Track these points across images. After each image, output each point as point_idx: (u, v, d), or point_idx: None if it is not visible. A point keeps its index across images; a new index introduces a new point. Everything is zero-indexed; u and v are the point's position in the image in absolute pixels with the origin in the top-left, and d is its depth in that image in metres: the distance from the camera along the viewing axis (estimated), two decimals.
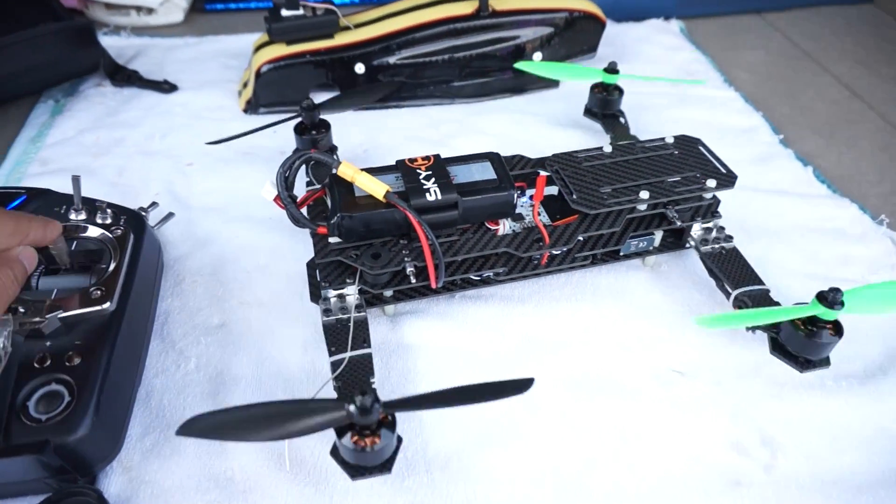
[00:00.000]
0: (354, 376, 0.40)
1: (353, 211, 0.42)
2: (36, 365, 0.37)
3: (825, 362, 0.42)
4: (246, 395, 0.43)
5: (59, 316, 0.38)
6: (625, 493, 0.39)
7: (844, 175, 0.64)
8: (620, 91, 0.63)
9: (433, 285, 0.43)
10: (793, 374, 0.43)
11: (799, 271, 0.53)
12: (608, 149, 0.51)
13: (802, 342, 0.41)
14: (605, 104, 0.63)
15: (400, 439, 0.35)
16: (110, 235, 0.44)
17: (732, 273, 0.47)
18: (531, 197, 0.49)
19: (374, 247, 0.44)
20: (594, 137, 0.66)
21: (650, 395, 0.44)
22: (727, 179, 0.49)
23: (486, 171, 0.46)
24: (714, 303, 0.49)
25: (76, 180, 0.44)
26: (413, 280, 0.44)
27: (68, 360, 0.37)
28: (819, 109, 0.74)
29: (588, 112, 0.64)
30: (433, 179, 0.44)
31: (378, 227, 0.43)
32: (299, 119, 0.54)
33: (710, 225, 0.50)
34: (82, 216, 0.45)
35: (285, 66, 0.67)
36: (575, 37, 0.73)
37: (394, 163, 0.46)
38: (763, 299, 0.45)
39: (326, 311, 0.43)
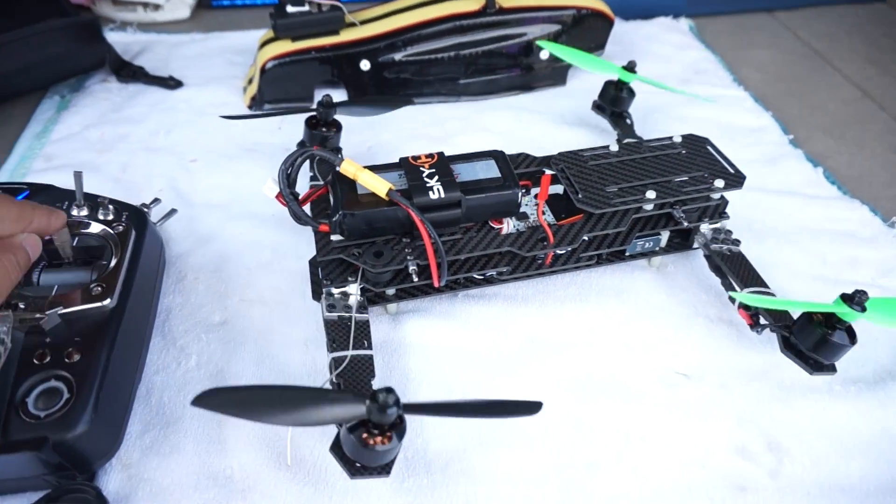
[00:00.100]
0: (355, 376, 0.40)
1: (355, 209, 0.42)
2: (35, 361, 0.36)
3: (832, 368, 0.41)
4: None
5: (60, 312, 0.38)
6: (628, 496, 0.38)
7: (855, 176, 0.64)
8: (632, 93, 0.62)
9: (436, 284, 0.42)
10: (800, 377, 0.42)
11: (807, 273, 0.52)
12: (615, 148, 0.50)
13: (817, 340, 0.40)
14: (616, 101, 0.62)
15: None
16: (112, 232, 0.44)
17: (740, 274, 0.46)
18: (536, 196, 0.49)
19: (377, 245, 0.43)
20: (601, 136, 0.66)
21: (654, 397, 0.43)
22: (735, 180, 0.48)
23: (490, 170, 0.45)
24: (721, 304, 0.49)
25: (78, 176, 0.44)
26: (415, 279, 0.44)
27: (68, 356, 0.37)
28: (830, 109, 0.73)
29: (597, 107, 0.64)
30: (436, 177, 0.44)
31: (380, 225, 0.43)
32: (313, 113, 0.54)
33: (717, 226, 0.49)
34: (84, 212, 0.44)
35: (290, 63, 0.66)
36: (583, 34, 0.72)
37: (397, 160, 0.45)
38: None
39: (330, 307, 0.43)
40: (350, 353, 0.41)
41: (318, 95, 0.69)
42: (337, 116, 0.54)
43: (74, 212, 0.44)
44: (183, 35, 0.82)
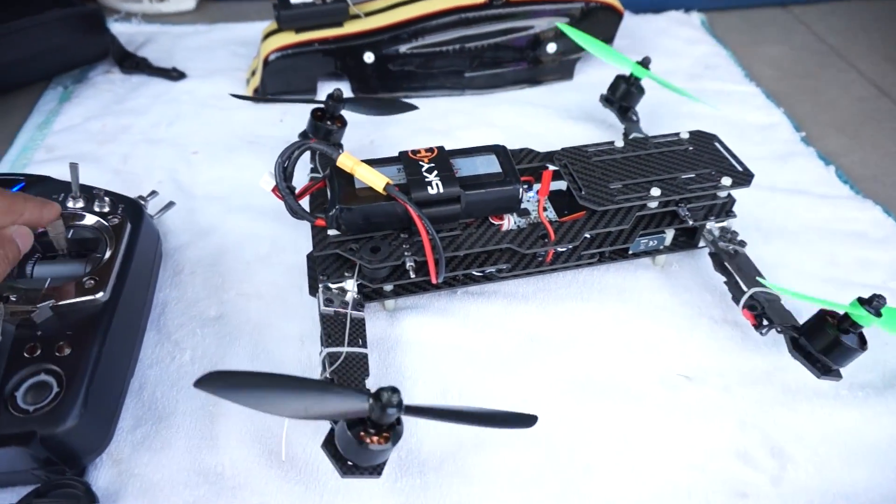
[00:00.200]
0: (349, 373, 0.39)
1: (352, 203, 0.41)
2: (26, 355, 0.36)
3: (837, 374, 0.40)
4: None
5: (51, 305, 0.38)
6: (625, 500, 0.37)
7: (868, 175, 0.62)
8: (642, 90, 0.61)
9: (433, 281, 0.42)
10: (805, 381, 0.41)
11: (815, 275, 0.51)
12: (620, 143, 0.49)
13: (829, 342, 0.39)
14: (626, 96, 0.61)
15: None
16: (107, 224, 0.43)
17: (746, 274, 0.45)
18: (538, 192, 0.48)
19: (374, 240, 0.43)
20: (607, 132, 0.65)
21: (655, 399, 0.42)
22: (743, 177, 0.47)
23: (490, 165, 0.45)
24: (726, 305, 0.48)
25: (74, 168, 0.43)
26: (413, 275, 0.43)
27: (59, 350, 0.37)
28: (843, 107, 0.72)
29: (605, 100, 0.63)
30: (436, 172, 0.43)
31: (378, 221, 0.42)
32: (320, 105, 0.53)
33: (724, 224, 0.48)
34: (80, 204, 0.44)
35: (293, 55, 0.66)
36: (591, 28, 0.71)
37: (396, 154, 0.45)
38: (775, 304, 0.43)
39: (328, 301, 0.42)
40: (345, 349, 0.40)
41: (322, 88, 0.69)
42: (342, 112, 0.54)
43: (70, 203, 0.44)
44: (187, 26, 0.81)
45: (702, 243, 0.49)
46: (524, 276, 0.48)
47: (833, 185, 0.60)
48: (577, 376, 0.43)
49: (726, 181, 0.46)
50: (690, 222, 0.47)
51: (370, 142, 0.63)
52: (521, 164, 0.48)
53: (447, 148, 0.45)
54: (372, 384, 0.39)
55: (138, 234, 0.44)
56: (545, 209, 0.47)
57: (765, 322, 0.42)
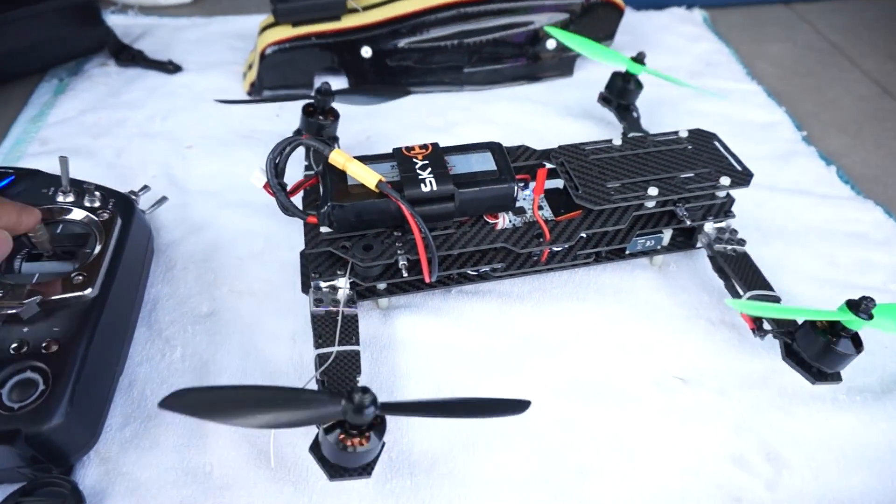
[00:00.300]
0: (340, 372, 0.39)
1: (344, 200, 0.41)
2: (11, 352, 0.36)
3: (837, 377, 0.39)
4: None
5: (38, 301, 0.37)
6: (618, 503, 0.37)
7: (870, 176, 0.61)
8: (640, 85, 0.60)
9: (426, 280, 0.41)
10: (802, 385, 0.40)
11: (815, 276, 0.50)
12: (618, 142, 0.49)
13: (820, 349, 0.38)
14: (623, 94, 0.60)
15: (383, 444, 0.34)
16: (96, 219, 0.43)
17: (744, 276, 0.45)
18: (533, 190, 0.47)
19: (367, 238, 0.42)
20: (606, 129, 0.64)
21: (650, 401, 0.42)
22: (742, 177, 0.46)
23: (486, 162, 0.44)
24: (723, 307, 0.47)
25: (64, 161, 0.43)
26: (405, 274, 0.42)
27: (45, 347, 0.36)
28: (846, 106, 0.71)
29: (603, 99, 0.62)
30: (429, 169, 0.42)
31: (370, 218, 0.42)
32: (310, 101, 0.53)
33: (722, 225, 0.48)
34: (70, 198, 0.43)
35: (290, 49, 0.65)
36: (591, 24, 0.70)
37: (390, 151, 0.44)
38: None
39: (318, 301, 0.42)
40: (335, 349, 0.39)
41: (319, 82, 0.68)
42: (335, 105, 0.53)
43: (60, 198, 0.43)
44: (185, 19, 0.81)
45: (699, 244, 0.49)
46: (519, 276, 0.47)
47: (834, 185, 0.59)
48: (572, 377, 0.43)
49: (725, 181, 0.46)
50: (688, 222, 0.46)
51: (366, 137, 0.62)
52: (517, 162, 0.48)
53: (445, 144, 0.45)
54: (365, 383, 0.39)
55: (129, 229, 0.44)
56: (541, 208, 0.47)
57: (766, 326, 0.42)
